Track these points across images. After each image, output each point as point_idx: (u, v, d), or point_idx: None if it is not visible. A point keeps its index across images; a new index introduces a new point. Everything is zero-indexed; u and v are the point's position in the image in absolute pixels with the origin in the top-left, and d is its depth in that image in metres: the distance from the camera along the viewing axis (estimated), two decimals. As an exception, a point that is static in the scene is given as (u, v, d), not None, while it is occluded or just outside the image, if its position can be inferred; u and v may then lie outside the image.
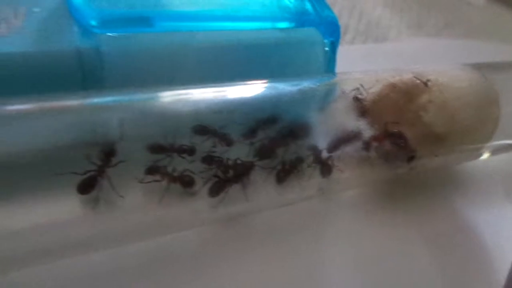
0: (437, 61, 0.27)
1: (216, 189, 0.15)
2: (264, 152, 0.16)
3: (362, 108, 0.17)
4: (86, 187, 0.13)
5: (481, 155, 0.20)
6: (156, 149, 0.14)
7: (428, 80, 0.16)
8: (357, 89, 0.17)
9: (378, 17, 0.30)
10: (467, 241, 0.18)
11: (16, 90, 0.12)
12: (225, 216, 0.16)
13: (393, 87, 0.17)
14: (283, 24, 0.16)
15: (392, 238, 0.17)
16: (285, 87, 0.17)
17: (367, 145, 0.16)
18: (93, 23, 0.13)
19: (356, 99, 0.17)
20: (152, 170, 0.14)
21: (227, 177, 0.15)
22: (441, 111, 0.16)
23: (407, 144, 0.16)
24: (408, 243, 0.17)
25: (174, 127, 0.14)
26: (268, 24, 0.16)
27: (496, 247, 0.17)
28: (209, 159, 0.15)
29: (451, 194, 0.19)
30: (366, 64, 0.21)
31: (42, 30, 0.14)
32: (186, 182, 0.14)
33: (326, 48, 0.17)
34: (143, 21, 0.14)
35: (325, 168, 0.16)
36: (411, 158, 0.16)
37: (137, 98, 0.14)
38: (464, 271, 0.16)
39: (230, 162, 0.15)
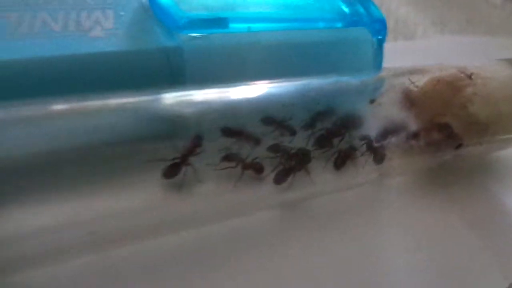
0: (465, 57, 0.28)
1: (282, 177, 0.16)
2: (323, 142, 0.17)
3: (410, 100, 0.18)
4: (171, 172, 0.14)
5: (513, 144, 0.21)
6: (228, 132, 0.15)
7: (471, 74, 0.18)
8: (405, 82, 0.18)
9: (405, 15, 0.32)
10: (505, 223, 0.19)
11: (111, 86, 0.14)
12: (288, 200, 0.17)
13: (438, 80, 0.18)
14: (338, 25, 0.18)
15: (437, 221, 0.18)
16: (338, 82, 0.18)
17: (416, 135, 0.18)
18: (179, 24, 0.15)
19: (405, 91, 0.18)
20: (228, 157, 0.15)
21: (292, 165, 0.16)
22: (485, 102, 0.17)
23: (455, 134, 0.17)
24: (452, 225, 0.18)
25: (246, 117, 0.16)
26: (325, 25, 0.18)
27: None
28: (275, 148, 0.16)
29: (489, 180, 0.20)
30: (400, 61, 0.22)
31: (131, 31, 0.15)
32: (257, 169, 0.16)
33: (375, 46, 0.19)
34: (219, 22, 0.15)
35: (378, 155, 0.18)
36: (458, 146, 0.17)
37: (213, 92, 0.15)
38: (504, 251, 0.18)
39: (293, 151, 0.16)
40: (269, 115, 0.16)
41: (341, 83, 0.18)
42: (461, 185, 0.20)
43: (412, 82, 0.18)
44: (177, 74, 0.15)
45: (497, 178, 0.20)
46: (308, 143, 0.17)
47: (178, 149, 0.14)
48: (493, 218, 0.19)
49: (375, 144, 0.18)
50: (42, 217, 0.13)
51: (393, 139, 0.18)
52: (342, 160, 0.17)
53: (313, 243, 0.16)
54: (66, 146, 0.13)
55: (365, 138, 0.18)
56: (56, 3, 0.15)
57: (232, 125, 0.15)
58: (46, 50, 0.14)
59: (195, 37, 0.15)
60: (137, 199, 0.14)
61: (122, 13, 0.16)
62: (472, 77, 0.18)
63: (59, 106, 0.13)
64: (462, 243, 0.17)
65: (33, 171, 0.13)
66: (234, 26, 0.16)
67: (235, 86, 0.16)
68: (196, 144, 0.14)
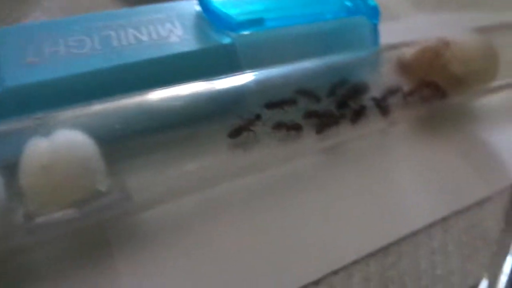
0: (442, 30, 0.34)
1: (321, 129, 0.21)
2: (341, 104, 0.23)
3: (403, 66, 0.24)
4: (234, 134, 0.20)
5: (486, 93, 0.27)
6: (270, 105, 0.21)
7: (448, 42, 0.23)
8: (398, 54, 0.24)
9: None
10: (480, 148, 0.25)
11: (188, 77, 0.19)
12: (324, 147, 0.22)
13: (423, 49, 0.24)
14: (343, 15, 0.23)
15: (432, 152, 0.24)
16: (348, 58, 0.23)
17: (411, 92, 0.23)
18: (232, 26, 0.20)
19: (399, 60, 0.24)
20: (277, 125, 0.21)
21: (326, 121, 0.22)
22: (460, 63, 0.23)
23: (440, 88, 0.23)
24: (443, 154, 0.24)
25: (285, 90, 0.21)
26: (333, 16, 0.23)
27: (504, 153, 0.25)
28: (309, 113, 0.22)
29: (468, 123, 0.26)
30: (393, 37, 0.28)
31: (196, 35, 0.20)
32: (298, 128, 0.21)
33: (372, 28, 0.24)
34: (259, 22, 0.21)
35: (384, 111, 0.23)
36: (444, 98, 0.23)
37: (260, 73, 0.21)
38: (482, 168, 0.23)
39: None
40: (301, 87, 0.22)
41: (350, 59, 0.23)
42: (448, 127, 0.25)
43: (404, 53, 0.24)
44: (234, 64, 0.20)
45: (474, 121, 0.26)
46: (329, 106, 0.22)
47: (242, 119, 0.20)
48: (472, 145, 0.24)
49: (381, 102, 0.23)
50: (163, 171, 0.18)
51: (393, 97, 0.23)
52: (356, 117, 0.23)
53: (344, 175, 0.22)
54: (167, 123, 0.18)
55: (373, 98, 0.23)
56: (137, 20, 0.20)
57: (273, 99, 0.21)
58: (141, 55, 0.19)
59: (243, 35, 0.20)
60: (218, 155, 0.20)
61: (186, 22, 0.21)
62: (449, 44, 0.23)
63: (158, 94, 0.18)
64: (452, 166, 0.23)
65: (148, 143, 0.18)
66: (269, 24, 0.21)
67: (274, 67, 0.21)
68: (256, 120, 0.20)
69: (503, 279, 0.17)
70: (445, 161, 0.23)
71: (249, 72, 0.20)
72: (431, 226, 0.20)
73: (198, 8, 0.22)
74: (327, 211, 0.20)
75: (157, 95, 0.18)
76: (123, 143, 0.17)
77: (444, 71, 0.23)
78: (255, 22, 0.20)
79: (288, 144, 0.21)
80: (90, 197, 0.15)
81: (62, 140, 0.15)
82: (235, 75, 0.20)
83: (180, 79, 0.19)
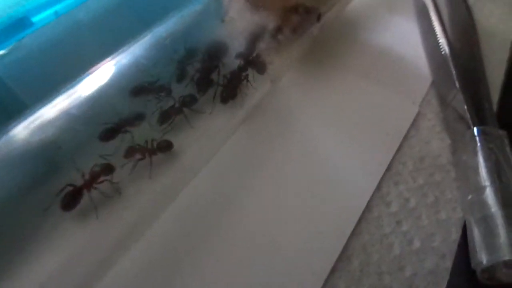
0: None
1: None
2: (203, 82, 0.16)
3: (254, 1, 0.18)
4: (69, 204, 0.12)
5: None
6: (105, 136, 0.14)
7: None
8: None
9: None
10: (385, 62, 0.20)
11: None
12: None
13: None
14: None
15: (335, 81, 0.19)
16: (182, 17, 0.16)
17: (278, 28, 0.17)
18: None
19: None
20: (128, 153, 0.14)
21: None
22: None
23: (311, 7, 0.17)
24: (349, 77, 0.19)
25: (116, 104, 0.14)
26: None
27: (402, 41, 0.21)
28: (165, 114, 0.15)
29: (354, 32, 0.21)
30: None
31: None
32: (166, 146, 0.14)
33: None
34: (21, 23, 0.13)
35: (260, 66, 0.17)
36: (319, 17, 0.18)
37: (62, 100, 0.13)
38: (396, 82, 0.19)
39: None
40: (135, 86, 0.14)
41: (186, 17, 0.16)
42: (336, 55, 0.20)
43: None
44: (12, 100, 0.12)
45: (357, 26, 0.21)
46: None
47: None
48: (370, 63, 0.20)
49: (251, 56, 0.17)
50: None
51: (262, 44, 0.17)
52: (232, 88, 0.16)
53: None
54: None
55: (239, 56, 0.17)
56: None
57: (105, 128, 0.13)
58: None
59: (3, 55, 0.12)
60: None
61: None
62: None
63: None
64: (366, 98, 0.18)
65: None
66: (39, 18, 0.13)
67: (80, 80, 0.13)
68: (102, 173, 0.12)
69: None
70: (355, 96, 0.18)
71: (41, 106, 0.12)
72: (379, 189, 0.15)
73: None
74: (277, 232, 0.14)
75: None
76: None
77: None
78: (15, 27, 0.12)
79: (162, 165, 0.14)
80: None
81: None
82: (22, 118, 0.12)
83: None
